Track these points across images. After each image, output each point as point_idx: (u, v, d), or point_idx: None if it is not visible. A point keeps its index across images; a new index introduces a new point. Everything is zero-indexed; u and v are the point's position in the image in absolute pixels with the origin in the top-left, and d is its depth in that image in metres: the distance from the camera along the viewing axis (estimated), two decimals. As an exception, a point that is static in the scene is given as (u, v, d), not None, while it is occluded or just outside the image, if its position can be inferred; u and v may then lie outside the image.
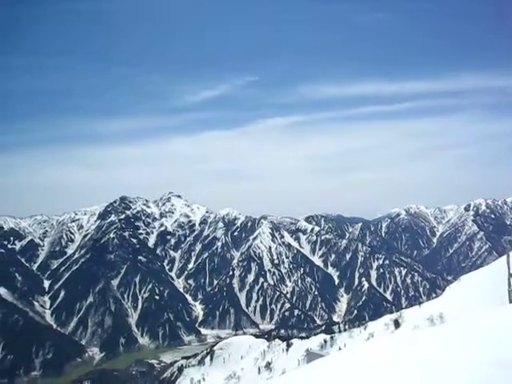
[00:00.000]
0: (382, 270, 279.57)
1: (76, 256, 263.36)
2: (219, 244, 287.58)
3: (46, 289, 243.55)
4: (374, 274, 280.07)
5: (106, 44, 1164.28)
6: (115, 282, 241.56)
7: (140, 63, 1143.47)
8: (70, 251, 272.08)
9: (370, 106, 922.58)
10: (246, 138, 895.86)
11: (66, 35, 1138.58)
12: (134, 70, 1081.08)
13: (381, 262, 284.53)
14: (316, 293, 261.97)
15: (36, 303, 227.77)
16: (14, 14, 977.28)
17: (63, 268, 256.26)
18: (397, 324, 57.51)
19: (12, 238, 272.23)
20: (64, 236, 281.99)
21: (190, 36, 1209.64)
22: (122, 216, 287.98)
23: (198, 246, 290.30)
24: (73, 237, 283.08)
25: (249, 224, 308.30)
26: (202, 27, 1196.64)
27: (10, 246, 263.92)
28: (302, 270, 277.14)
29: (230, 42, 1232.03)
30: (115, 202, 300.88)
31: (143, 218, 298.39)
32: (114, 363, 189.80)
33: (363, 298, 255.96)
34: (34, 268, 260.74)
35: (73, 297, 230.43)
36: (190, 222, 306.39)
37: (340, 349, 79.28)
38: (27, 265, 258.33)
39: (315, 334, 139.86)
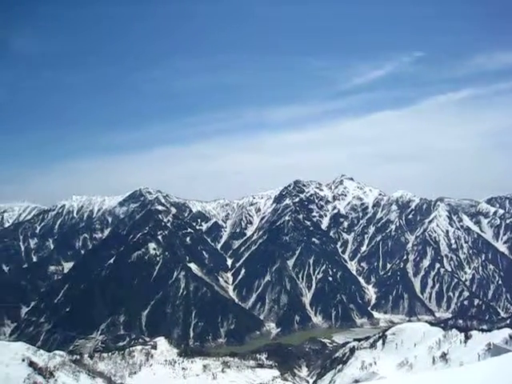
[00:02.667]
0: None
1: (254, 237, 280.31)
2: (393, 227, 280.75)
3: (229, 266, 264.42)
4: None
5: (279, 37, 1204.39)
6: (290, 263, 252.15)
7: (311, 51, 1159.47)
8: (249, 232, 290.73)
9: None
10: (418, 116, 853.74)
11: (240, 32, 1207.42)
12: (306, 58, 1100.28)
13: None
14: (500, 282, 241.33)
15: (220, 279, 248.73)
16: (191, 13, 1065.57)
17: (243, 248, 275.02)
18: None
19: (199, 220, 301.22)
20: (243, 218, 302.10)
21: (354, 18, 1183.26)
22: (296, 199, 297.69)
23: (371, 229, 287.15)
24: (251, 219, 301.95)
25: (424, 206, 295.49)
26: (364, 8, 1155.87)
27: (197, 227, 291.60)
28: (483, 256, 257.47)
29: (394, 19, 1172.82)
30: (289, 185, 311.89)
31: (316, 201, 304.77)
32: (289, 339, 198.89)
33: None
34: (218, 247, 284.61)
35: (252, 275, 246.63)
36: (362, 204, 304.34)
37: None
38: (212, 244, 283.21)
39: (498, 328, 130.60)
